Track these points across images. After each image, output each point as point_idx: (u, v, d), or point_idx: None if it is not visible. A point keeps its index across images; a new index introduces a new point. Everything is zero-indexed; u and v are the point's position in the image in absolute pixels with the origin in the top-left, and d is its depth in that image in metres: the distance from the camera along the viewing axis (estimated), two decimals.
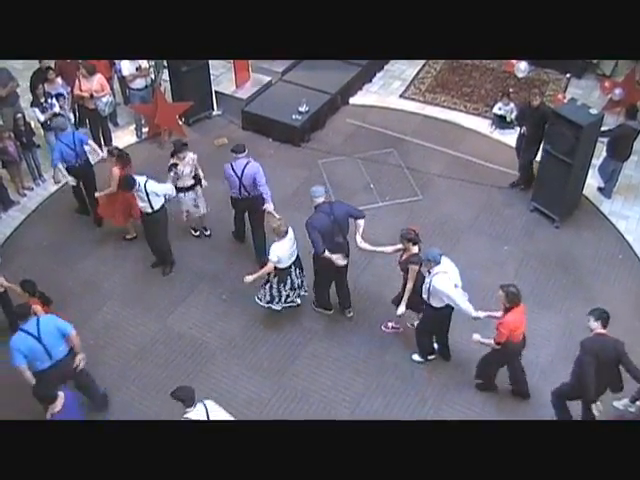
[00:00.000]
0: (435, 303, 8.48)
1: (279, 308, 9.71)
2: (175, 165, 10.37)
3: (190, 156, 10.49)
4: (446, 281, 8.25)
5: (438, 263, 8.29)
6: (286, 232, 9.05)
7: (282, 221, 9.13)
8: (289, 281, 9.45)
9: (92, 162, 11.27)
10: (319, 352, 9.53)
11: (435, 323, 8.90)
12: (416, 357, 9.37)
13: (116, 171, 10.30)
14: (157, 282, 10.59)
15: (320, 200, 9.11)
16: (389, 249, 9.16)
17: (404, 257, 8.84)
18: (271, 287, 9.48)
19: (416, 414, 8.72)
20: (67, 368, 8.16)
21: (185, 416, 7.08)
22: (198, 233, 11.35)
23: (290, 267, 9.34)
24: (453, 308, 8.54)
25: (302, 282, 9.70)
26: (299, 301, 9.95)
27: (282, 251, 9.09)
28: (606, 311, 7.71)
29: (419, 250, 8.71)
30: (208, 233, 11.36)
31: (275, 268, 9.19)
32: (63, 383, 8.11)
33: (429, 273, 8.39)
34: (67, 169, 10.86)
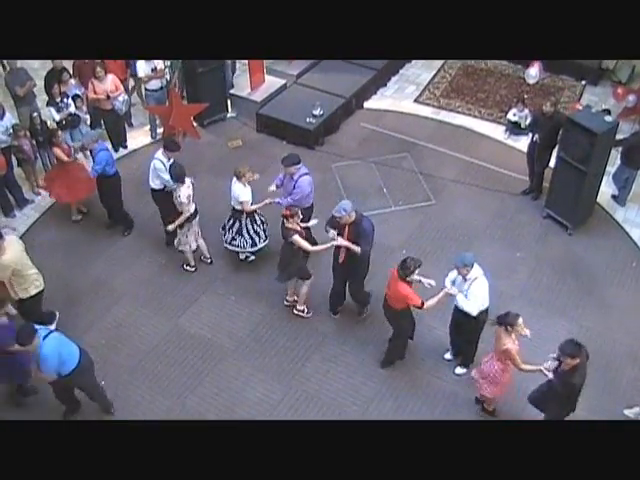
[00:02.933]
0: (474, 311, 8.39)
1: (257, 249, 10.51)
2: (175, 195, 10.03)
3: (188, 180, 10.05)
4: (485, 285, 8.32)
5: (472, 267, 8.27)
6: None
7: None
8: (256, 219, 10.36)
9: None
10: (330, 355, 9.53)
11: (480, 330, 8.80)
12: (460, 370, 9.27)
13: (58, 150, 11.07)
14: (169, 282, 10.61)
15: (354, 215, 8.90)
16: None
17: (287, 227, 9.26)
18: (247, 231, 10.30)
19: (426, 418, 8.69)
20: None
21: None
22: (210, 260, 10.96)
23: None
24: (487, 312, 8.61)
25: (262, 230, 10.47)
26: (253, 257, 10.77)
27: (250, 194, 10.00)
28: (573, 340, 7.42)
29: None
30: (210, 260, 10.97)
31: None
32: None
33: (465, 280, 8.34)
34: (106, 177, 10.85)
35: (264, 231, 10.47)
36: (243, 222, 10.29)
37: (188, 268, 10.78)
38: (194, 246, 10.53)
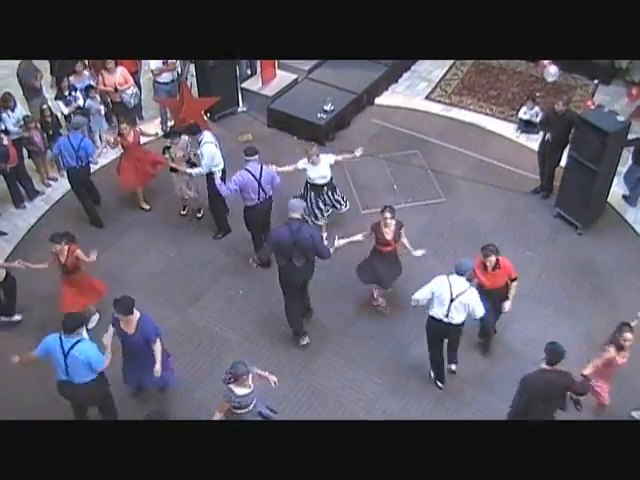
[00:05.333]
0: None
1: (321, 223, 10.97)
2: (168, 148, 10.85)
3: (184, 139, 10.79)
4: None
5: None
6: (317, 156, 10.47)
7: (315, 148, 10.59)
8: (323, 197, 10.79)
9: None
10: (337, 351, 9.53)
11: None
12: (454, 367, 9.18)
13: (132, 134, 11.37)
14: (178, 275, 10.64)
15: (295, 215, 8.82)
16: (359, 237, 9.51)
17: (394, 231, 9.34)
18: (311, 203, 10.75)
19: (432, 416, 8.69)
20: (88, 393, 7.90)
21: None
22: (185, 212, 11.78)
23: (323, 187, 10.69)
24: None
25: (337, 199, 10.96)
26: (345, 209, 11.15)
27: (310, 172, 10.57)
28: (556, 347, 7.25)
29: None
30: (200, 215, 11.70)
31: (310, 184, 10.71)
32: (83, 407, 8.14)
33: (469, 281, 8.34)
34: (67, 170, 11.16)
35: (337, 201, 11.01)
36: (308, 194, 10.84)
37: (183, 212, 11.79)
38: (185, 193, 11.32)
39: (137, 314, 8.10)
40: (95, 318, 9.92)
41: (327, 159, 10.61)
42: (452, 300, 8.18)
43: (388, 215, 9.11)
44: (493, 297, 8.76)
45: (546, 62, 13.83)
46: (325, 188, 10.73)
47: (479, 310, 8.26)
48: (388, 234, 9.25)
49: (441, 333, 8.57)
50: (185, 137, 10.77)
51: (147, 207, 11.91)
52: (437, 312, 8.33)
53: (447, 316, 8.28)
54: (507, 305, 8.97)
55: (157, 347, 8.13)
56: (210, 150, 10.47)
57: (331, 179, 10.76)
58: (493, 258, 8.54)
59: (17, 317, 9.94)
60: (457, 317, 8.30)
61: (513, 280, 8.87)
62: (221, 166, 10.67)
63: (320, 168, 10.52)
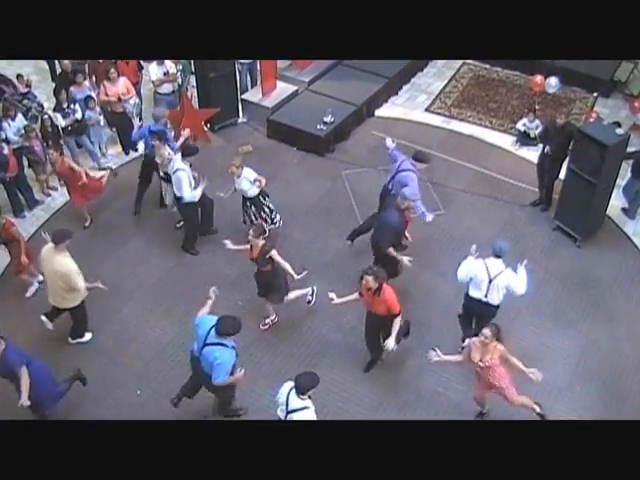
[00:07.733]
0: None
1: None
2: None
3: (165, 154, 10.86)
4: None
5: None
6: (238, 168, 10.51)
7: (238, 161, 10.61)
8: (248, 212, 10.91)
9: None
10: (336, 363, 9.51)
11: None
12: None
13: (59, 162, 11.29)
14: (177, 285, 10.63)
15: (403, 202, 9.55)
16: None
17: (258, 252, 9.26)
18: (255, 217, 10.84)
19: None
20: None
21: None
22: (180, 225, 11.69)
23: (246, 201, 10.83)
24: None
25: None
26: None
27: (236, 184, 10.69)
28: None
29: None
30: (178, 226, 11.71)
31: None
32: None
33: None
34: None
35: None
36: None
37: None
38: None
39: (2, 345, 7.82)
40: (34, 287, 10.48)
41: (249, 174, 10.63)
42: (490, 281, 8.65)
43: (251, 234, 9.17)
44: (374, 320, 8.88)
45: (538, 78, 13.85)
46: (248, 203, 10.86)
47: (519, 288, 8.69)
48: (254, 252, 9.32)
49: (476, 311, 8.97)
50: (165, 152, 10.76)
51: (87, 224, 11.76)
52: (476, 293, 8.83)
53: (486, 296, 8.75)
54: (390, 343, 8.59)
55: (23, 377, 7.84)
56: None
57: (255, 198, 10.81)
58: (370, 279, 8.31)
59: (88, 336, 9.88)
60: (496, 298, 8.75)
61: (395, 316, 8.54)
62: None
63: (241, 182, 10.63)
